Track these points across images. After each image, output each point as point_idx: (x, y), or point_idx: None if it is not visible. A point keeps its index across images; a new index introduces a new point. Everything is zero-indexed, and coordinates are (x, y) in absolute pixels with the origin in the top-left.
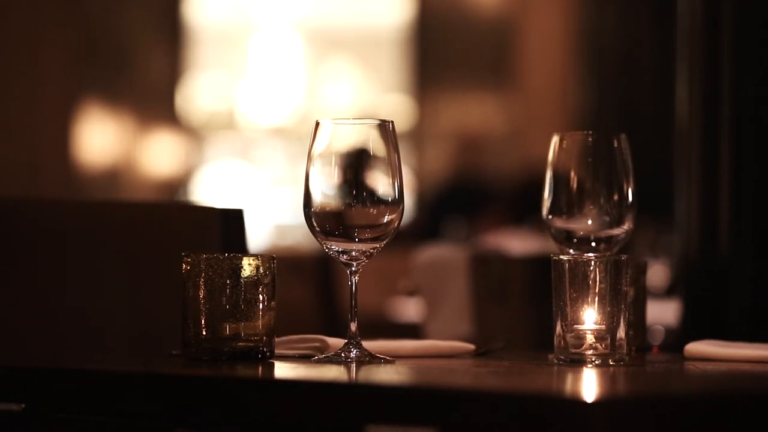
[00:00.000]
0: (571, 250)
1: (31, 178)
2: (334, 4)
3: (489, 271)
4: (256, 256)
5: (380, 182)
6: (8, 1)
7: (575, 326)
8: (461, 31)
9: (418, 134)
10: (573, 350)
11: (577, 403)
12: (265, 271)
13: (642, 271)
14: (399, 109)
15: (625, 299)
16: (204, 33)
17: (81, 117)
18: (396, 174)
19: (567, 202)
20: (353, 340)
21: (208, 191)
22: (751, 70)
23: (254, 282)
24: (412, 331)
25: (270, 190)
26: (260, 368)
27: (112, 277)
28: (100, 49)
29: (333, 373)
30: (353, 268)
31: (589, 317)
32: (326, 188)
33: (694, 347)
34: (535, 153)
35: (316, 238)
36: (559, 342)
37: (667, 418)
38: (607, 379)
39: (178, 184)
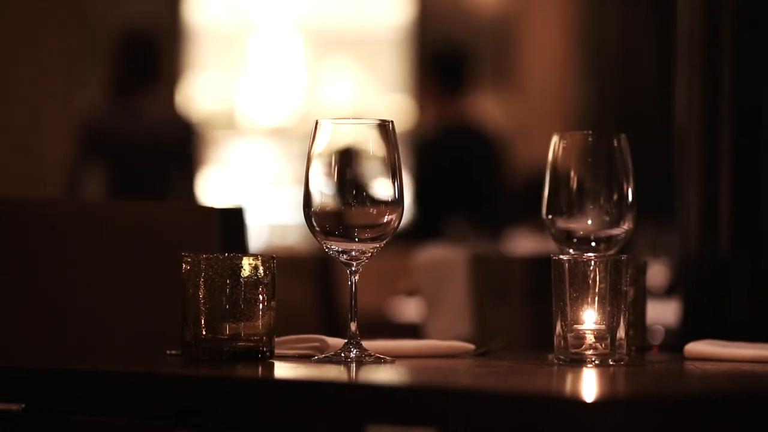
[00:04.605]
0: (571, 250)
1: (32, 177)
2: (334, 4)
3: (489, 271)
4: (256, 256)
5: (380, 182)
6: (8, 2)
7: (575, 326)
8: (461, 31)
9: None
10: (573, 350)
11: (577, 403)
12: (265, 271)
13: (642, 271)
14: (399, 109)
15: (625, 299)
16: (204, 33)
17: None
18: (396, 174)
19: (567, 202)
20: (353, 340)
21: (207, 191)
22: (751, 71)
23: (254, 282)
24: (412, 331)
25: (269, 190)
26: (260, 368)
27: (112, 277)
28: (99, 49)
29: (333, 373)
30: (353, 268)
31: (589, 317)
32: (326, 188)
33: (694, 347)
34: (535, 153)
35: (316, 238)
36: (559, 342)
37: (667, 418)
38: (607, 379)
39: None
